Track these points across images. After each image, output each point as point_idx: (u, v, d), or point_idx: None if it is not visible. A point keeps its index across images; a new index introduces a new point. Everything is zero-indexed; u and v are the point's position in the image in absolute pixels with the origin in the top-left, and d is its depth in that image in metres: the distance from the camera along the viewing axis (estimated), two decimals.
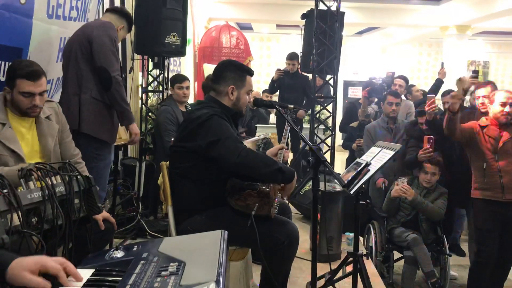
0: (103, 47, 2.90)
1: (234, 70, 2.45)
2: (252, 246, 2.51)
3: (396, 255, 3.94)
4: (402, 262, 3.81)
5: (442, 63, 5.84)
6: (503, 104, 3.29)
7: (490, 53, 14.22)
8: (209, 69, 7.48)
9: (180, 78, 4.47)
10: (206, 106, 2.40)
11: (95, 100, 2.96)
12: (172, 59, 6.24)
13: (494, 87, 3.75)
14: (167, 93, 5.13)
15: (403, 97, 5.36)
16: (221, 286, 1.07)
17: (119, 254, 1.36)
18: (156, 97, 5.57)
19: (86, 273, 1.26)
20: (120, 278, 1.19)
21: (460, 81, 3.32)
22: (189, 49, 7.48)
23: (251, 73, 2.52)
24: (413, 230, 3.73)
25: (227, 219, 2.28)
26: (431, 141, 3.68)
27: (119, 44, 3.14)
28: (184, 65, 7.62)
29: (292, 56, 6.40)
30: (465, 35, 10.20)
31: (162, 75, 5.16)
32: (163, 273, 1.15)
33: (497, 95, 3.37)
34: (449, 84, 8.34)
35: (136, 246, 1.39)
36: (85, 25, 3.11)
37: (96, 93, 2.96)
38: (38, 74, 2.24)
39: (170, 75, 5.37)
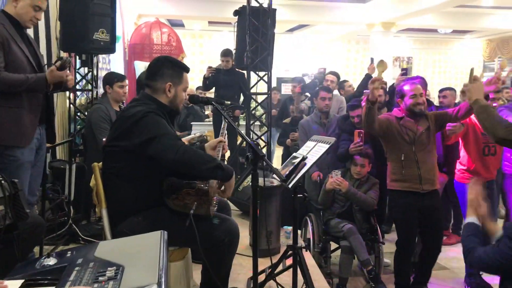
0: None
1: (171, 66, 2.39)
2: (192, 245, 2.47)
3: (333, 245, 4.05)
4: (338, 252, 3.92)
5: (372, 59, 6.07)
6: (413, 96, 3.39)
7: (413, 49, 15.00)
8: (140, 66, 7.29)
9: (120, 76, 4.30)
10: (141, 104, 2.32)
11: None
12: (101, 56, 6.01)
13: (423, 82, 3.93)
14: (97, 92, 4.92)
15: (335, 92, 5.53)
16: None
17: (51, 261, 1.28)
18: (85, 96, 5.34)
19: (14, 285, 1.17)
20: (54, 287, 1.12)
21: (381, 63, 3.38)
22: (119, 46, 7.25)
23: (187, 70, 2.47)
24: (348, 220, 3.85)
25: (164, 220, 2.22)
26: (361, 135, 3.81)
27: (43, 39, 2.91)
28: (114, 63, 7.37)
29: (226, 53, 6.38)
30: (390, 32, 10.68)
31: (90, 73, 4.95)
32: (100, 278, 1.10)
33: (405, 88, 3.45)
34: None
35: (69, 252, 1.32)
36: None
37: None
38: None
39: (100, 73, 5.16)
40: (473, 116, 3.54)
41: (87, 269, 1.17)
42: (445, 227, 5.27)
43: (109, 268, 1.13)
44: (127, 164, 2.26)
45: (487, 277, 3.68)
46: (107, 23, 4.32)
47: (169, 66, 2.38)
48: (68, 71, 2.83)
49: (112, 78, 4.27)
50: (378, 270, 3.78)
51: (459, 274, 4.13)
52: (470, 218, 2.22)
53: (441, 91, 5.01)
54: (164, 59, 2.46)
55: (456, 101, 5.60)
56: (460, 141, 3.92)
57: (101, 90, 4.94)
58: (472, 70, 2.74)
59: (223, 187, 2.30)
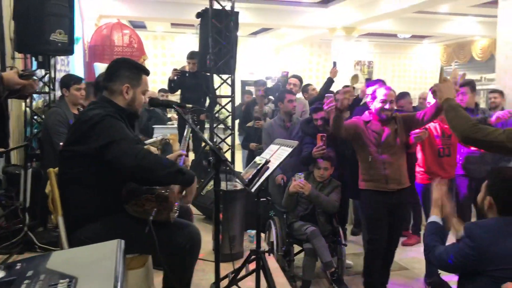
0: None
1: (129, 68, 2.33)
2: (152, 252, 2.41)
3: (296, 248, 4.06)
4: (302, 255, 3.93)
5: (335, 63, 6.11)
6: (383, 102, 3.48)
7: (374, 54, 15.32)
8: (100, 68, 7.11)
9: (77, 79, 4.19)
10: (99, 107, 2.25)
11: None
12: (59, 58, 5.82)
13: (384, 85, 4.00)
14: (54, 95, 4.76)
15: (299, 95, 5.55)
16: None
17: None
18: (42, 99, 5.16)
19: None
20: None
21: (354, 77, 3.48)
22: (79, 47, 7.06)
23: (147, 72, 2.41)
24: (311, 223, 3.87)
25: (123, 226, 2.16)
26: (323, 138, 3.84)
27: None
28: (73, 65, 7.17)
29: (192, 55, 6.31)
30: (351, 36, 10.86)
31: (48, 75, 4.78)
32: None
33: (378, 92, 3.54)
34: (339, 83, 8.80)
35: (19, 264, 1.24)
36: None
37: None
38: None
39: (58, 75, 5.00)
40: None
41: (38, 282, 1.10)
42: (405, 228, 5.38)
43: (61, 281, 1.07)
44: (84, 169, 2.18)
45: (446, 276, 3.77)
46: (64, 24, 4.19)
47: (127, 68, 2.32)
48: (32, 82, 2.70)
49: (69, 81, 4.15)
50: (340, 272, 3.82)
51: (419, 274, 4.21)
52: (433, 217, 2.28)
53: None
54: (122, 61, 2.40)
55: (414, 104, 5.74)
56: (418, 145, 4.02)
57: (59, 93, 4.79)
58: (442, 69, 2.81)
59: (184, 192, 2.26)
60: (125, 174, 2.17)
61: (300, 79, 5.79)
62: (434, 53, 15.54)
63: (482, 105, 8.75)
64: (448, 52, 14.72)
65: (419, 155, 4.02)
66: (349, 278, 3.96)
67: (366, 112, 3.66)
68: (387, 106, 3.47)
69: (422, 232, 5.13)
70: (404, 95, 5.14)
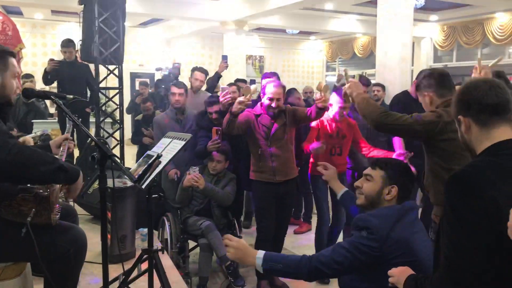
0: None
1: None
2: (30, 259, 2.18)
3: (192, 244, 3.98)
4: (197, 250, 3.86)
5: (224, 57, 6.03)
6: (270, 99, 3.58)
7: (265, 49, 15.65)
8: None
9: None
10: None
11: None
12: None
13: (276, 80, 4.06)
14: None
15: (203, 88, 5.38)
16: None
17: None
18: None
19: None
20: None
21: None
22: None
23: (13, 54, 2.12)
24: (207, 217, 3.81)
25: None
26: (219, 132, 3.80)
27: None
28: None
29: (67, 43, 5.86)
30: (242, 30, 10.94)
31: None
32: None
33: (267, 88, 3.63)
34: (230, 77, 8.84)
35: None
36: None
37: None
38: None
39: None
40: (325, 118, 3.96)
41: None
42: (297, 216, 5.57)
43: None
44: None
45: None
46: None
47: None
48: None
49: None
50: (236, 264, 3.81)
51: None
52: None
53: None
54: None
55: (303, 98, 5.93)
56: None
57: None
58: (345, 71, 2.98)
59: (65, 190, 2.06)
60: None
61: (206, 73, 5.60)
62: (320, 49, 16.30)
63: None
64: (333, 48, 15.53)
65: None
66: (244, 270, 3.98)
67: (259, 105, 3.70)
68: (273, 105, 3.57)
69: (312, 220, 5.36)
70: (292, 91, 5.27)
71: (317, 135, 3.98)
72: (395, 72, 5.91)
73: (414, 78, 4.02)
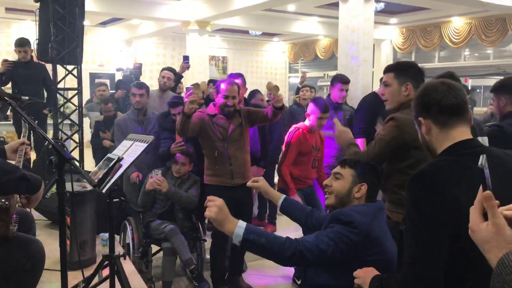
0: None
1: None
2: None
3: (155, 248, 3.90)
4: (161, 254, 3.78)
5: (186, 57, 5.94)
6: (225, 97, 3.44)
7: (228, 50, 15.61)
8: None
9: None
10: None
11: None
12: None
13: (243, 81, 4.02)
14: None
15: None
16: None
17: None
18: None
19: None
20: None
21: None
22: None
23: None
24: (170, 221, 3.75)
25: None
26: None
27: None
28: None
29: (21, 42, 5.63)
30: (205, 31, 10.86)
31: None
32: None
33: (222, 86, 3.48)
34: (193, 78, 8.76)
35: None
36: None
37: None
38: None
39: None
40: (301, 127, 3.79)
41: None
42: (261, 218, 5.56)
43: None
44: None
45: None
46: None
47: None
48: None
49: None
50: (200, 267, 3.76)
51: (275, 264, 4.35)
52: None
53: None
54: None
55: (267, 99, 5.94)
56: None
57: None
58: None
59: (24, 200, 1.96)
60: None
61: (174, 71, 5.49)
62: (282, 51, 16.40)
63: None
64: (295, 50, 15.66)
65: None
66: (209, 273, 3.92)
67: (211, 105, 3.63)
68: (229, 103, 3.45)
69: (277, 222, 5.36)
70: (254, 93, 5.24)
71: (298, 153, 3.76)
72: (356, 74, 6.00)
73: (374, 80, 4.07)
